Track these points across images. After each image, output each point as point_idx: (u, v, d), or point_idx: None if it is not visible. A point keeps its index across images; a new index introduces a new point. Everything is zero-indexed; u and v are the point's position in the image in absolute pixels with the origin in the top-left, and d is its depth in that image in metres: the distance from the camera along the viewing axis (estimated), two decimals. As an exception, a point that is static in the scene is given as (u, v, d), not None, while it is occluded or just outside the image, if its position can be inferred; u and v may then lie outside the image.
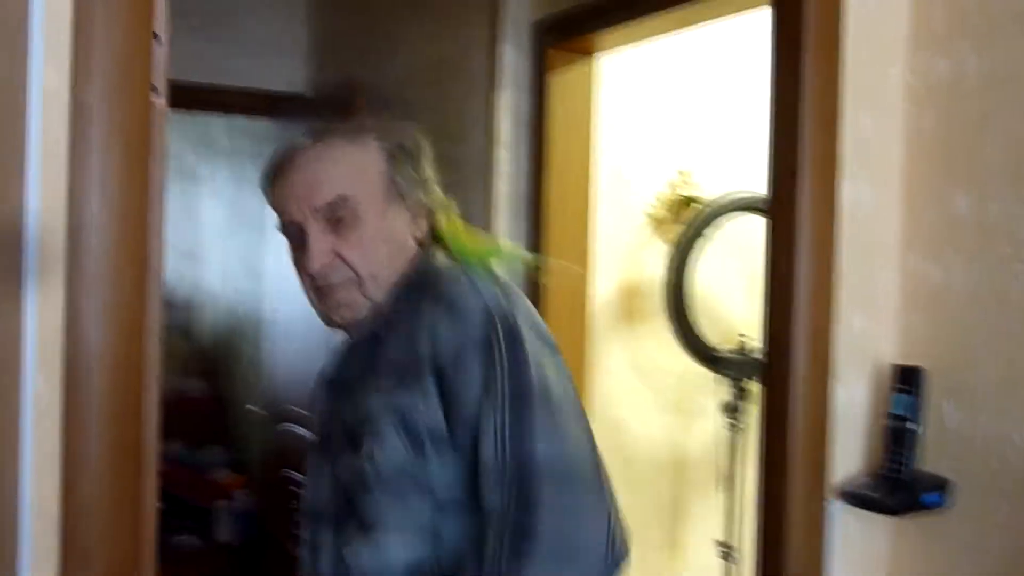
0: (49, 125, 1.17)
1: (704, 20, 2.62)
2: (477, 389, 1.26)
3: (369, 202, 1.39)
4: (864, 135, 1.81)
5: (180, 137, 6.39)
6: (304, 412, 3.68)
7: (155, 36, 1.28)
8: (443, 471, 1.29)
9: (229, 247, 5.35)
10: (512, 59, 2.87)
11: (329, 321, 1.44)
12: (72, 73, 1.17)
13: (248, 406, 4.61)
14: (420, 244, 1.45)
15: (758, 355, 3.33)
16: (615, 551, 1.24)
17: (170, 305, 6.43)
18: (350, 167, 1.39)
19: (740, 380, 3.27)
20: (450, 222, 1.47)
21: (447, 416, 1.28)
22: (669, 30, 2.73)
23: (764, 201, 3.29)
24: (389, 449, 1.29)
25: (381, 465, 1.29)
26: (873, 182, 1.83)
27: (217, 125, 5.36)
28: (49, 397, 1.18)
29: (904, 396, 1.76)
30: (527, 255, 1.60)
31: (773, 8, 1.79)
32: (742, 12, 2.53)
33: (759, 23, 3.15)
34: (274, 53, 4.15)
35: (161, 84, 1.31)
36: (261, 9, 4.12)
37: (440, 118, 3.17)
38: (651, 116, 3.38)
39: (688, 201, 3.44)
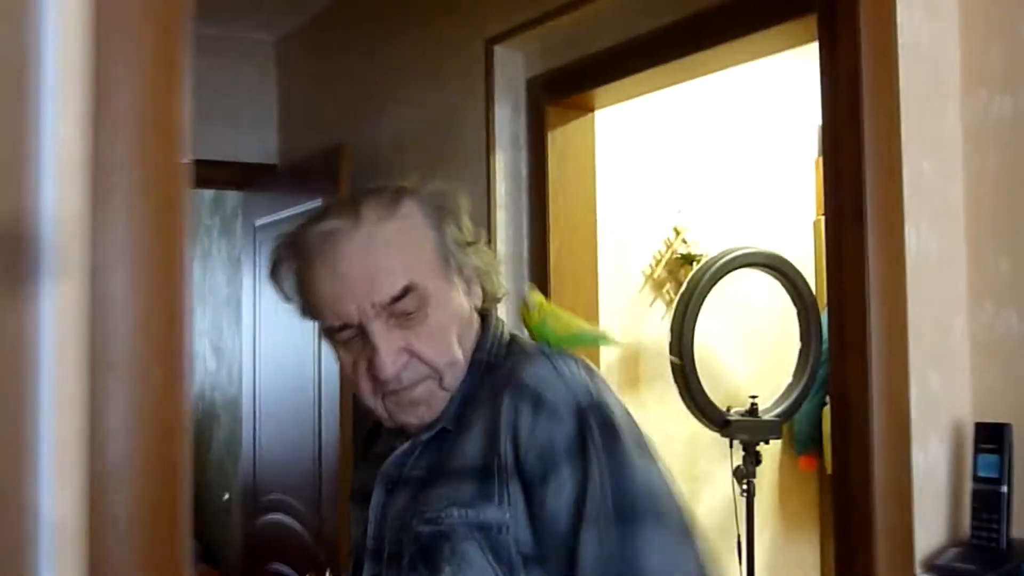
0: (64, 190, 0.99)
1: (700, 74, 2.55)
2: (570, 499, 1.10)
3: (433, 284, 1.19)
4: (925, 180, 1.69)
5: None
6: (292, 500, 3.47)
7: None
8: None
9: (198, 327, 5.12)
10: (508, 118, 2.74)
11: (403, 424, 1.24)
12: (93, 130, 1.00)
13: (225, 495, 4.36)
14: (480, 314, 1.27)
15: (770, 417, 3.23)
16: None
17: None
18: (406, 248, 1.19)
19: (753, 444, 3.12)
20: (533, 299, 1.27)
21: (533, 528, 1.11)
22: (668, 84, 2.63)
23: (765, 256, 3.25)
24: (474, 574, 1.11)
25: None
26: (938, 230, 1.70)
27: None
28: (70, 519, 0.99)
29: (990, 456, 1.61)
30: (612, 336, 1.40)
31: (822, 47, 1.67)
32: (738, 64, 2.45)
33: (750, 76, 3.11)
34: (245, 124, 3.99)
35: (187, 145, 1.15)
36: (230, 82, 3.95)
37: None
38: (644, 175, 3.27)
39: (687, 259, 3.32)
